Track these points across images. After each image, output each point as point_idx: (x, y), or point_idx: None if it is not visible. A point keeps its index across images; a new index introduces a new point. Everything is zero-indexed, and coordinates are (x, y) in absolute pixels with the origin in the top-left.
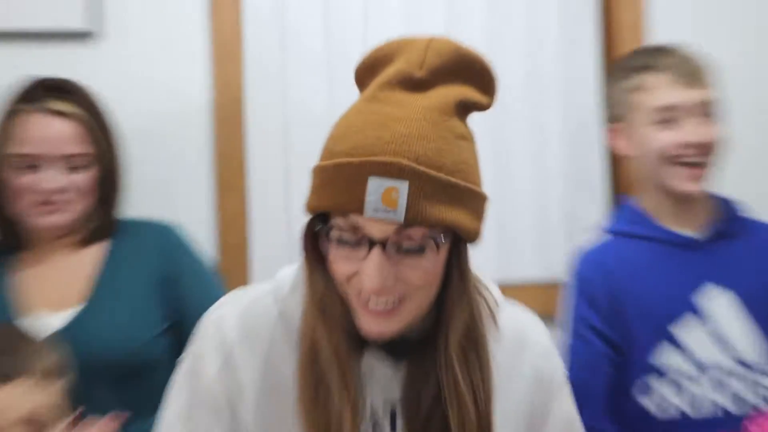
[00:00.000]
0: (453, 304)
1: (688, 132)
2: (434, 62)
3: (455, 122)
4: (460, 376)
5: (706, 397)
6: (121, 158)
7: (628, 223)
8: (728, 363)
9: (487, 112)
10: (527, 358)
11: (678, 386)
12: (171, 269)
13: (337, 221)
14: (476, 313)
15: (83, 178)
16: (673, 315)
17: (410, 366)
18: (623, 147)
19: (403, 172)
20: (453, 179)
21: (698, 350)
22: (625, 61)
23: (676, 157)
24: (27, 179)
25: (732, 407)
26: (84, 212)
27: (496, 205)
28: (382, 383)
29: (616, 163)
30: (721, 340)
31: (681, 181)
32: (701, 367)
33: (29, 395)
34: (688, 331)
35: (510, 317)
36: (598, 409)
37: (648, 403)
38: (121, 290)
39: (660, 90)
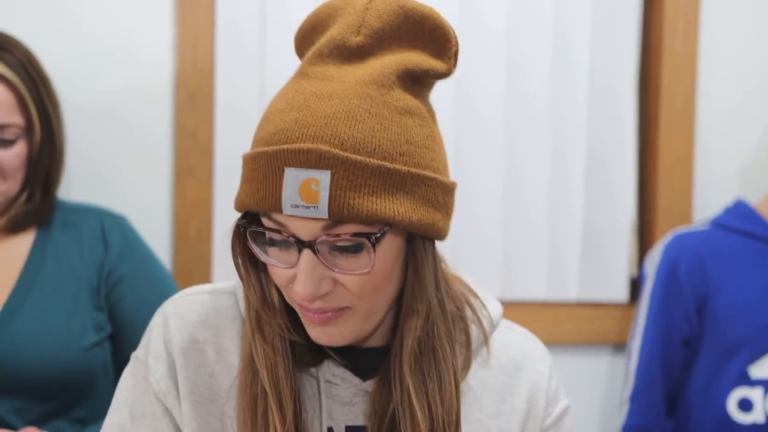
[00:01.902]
0: (407, 308)
1: None
2: (374, 25)
3: (398, 95)
4: (412, 389)
5: None
6: (60, 132)
7: (735, 217)
8: None
9: (499, 108)
10: (522, 389)
11: (767, 388)
12: (112, 267)
13: (265, 221)
14: (435, 319)
15: (11, 154)
16: None
17: (378, 385)
18: None
19: (323, 161)
20: (390, 164)
21: None
22: None
23: None
24: None
25: None
26: (10, 194)
27: (506, 216)
28: (343, 403)
29: (646, 182)
30: None
31: None
32: None
33: None
34: None
35: (508, 340)
36: (661, 409)
37: (740, 415)
38: (50, 290)
39: None
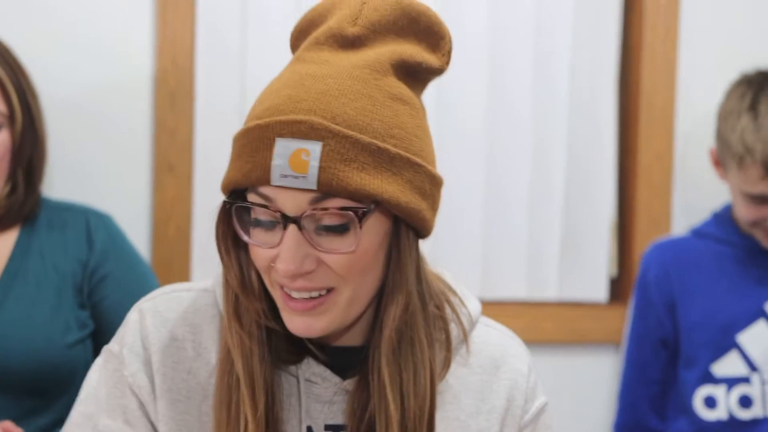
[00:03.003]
0: (387, 298)
1: None
2: (370, 17)
3: (391, 81)
4: (387, 380)
5: (756, 397)
6: (41, 122)
7: (712, 225)
8: None
9: (480, 107)
10: (501, 387)
11: (729, 386)
12: (96, 266)
13: (251, 197)
14: (414, 311)
15: None
16: (742, 322)
17: (358, 384)
18: (719, 173)
19: (315, 132)
20: (381, 143)
21: (759, 355)
22: (743, 105)
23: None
24: None
25: None
26: None
27: (486, 215)
28: (323, 402)
29: (626, 182)
30: None
31: (765, 240)
32: (754, 368)
33: None
34: (755, 338)
35: (487, 338)
36: (646, 408)
37: (706, 411)
38: (33, 286)
39: (756, 181)
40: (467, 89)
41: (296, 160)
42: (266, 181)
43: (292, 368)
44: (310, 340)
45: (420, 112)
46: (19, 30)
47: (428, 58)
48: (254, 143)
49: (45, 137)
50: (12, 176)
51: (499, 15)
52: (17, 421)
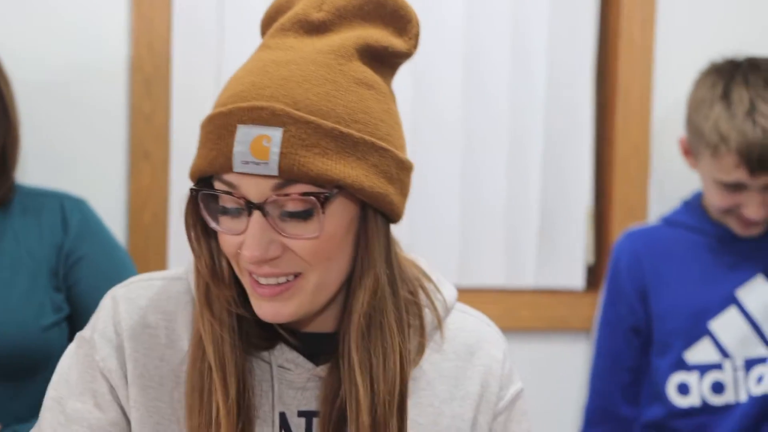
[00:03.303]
0: (355, 283)
1: (749, 210)
2: (336, 2)
3: (356, 66)
4: (357, 365)
5: (729, 383)
6: (14, 110)
7: (682, 213)
8: (757, 350)
9: (458, 96)
10: (476, 373)
11: (702, 372)
12: (71, 248)
13: (217, 185)
14: (383, 296)
15: None
16: (714, 309)
17: (330, 370)
18: (690, 161)
19: (276, 118)
20: (344, 128)
21: (731, 342)
22: (715, 95)
23: (735, 214)
24: None
25: (757, 390)
26: None
27: (463, 203)
28: (296, 388)
29: (603, 171)
30: (757, 331)
31: (738, 227)
32: (726, 354)
33: None
34: (727, 325)
35: (462, 325)
36: (617, 395)
37: (679, 398)
38: (7, 270)
39: (730, 169)
40: (444, 78)
41: (257, 147)
42: (229, 168)
43: (265, 354)
44: (281, 325)
45: (387, 96)
46: None
47: (395, 42)
48: (217, 130)
49: (18, 124)
50: None
51: (476, 6)
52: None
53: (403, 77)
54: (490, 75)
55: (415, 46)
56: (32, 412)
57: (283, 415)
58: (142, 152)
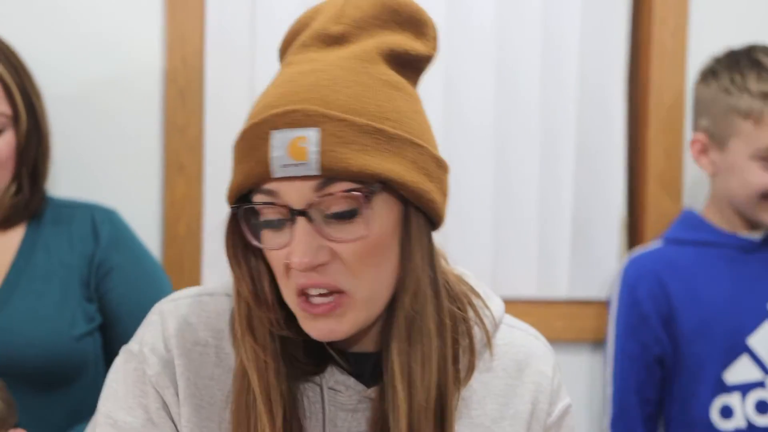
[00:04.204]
0: (398, 283)
1: None
2: (353, 15)
3: (382, 69)
4: (398, 370)
5: None
6: (45, 122)
7: (685, 230)
8: None
9: (489, 102)
10: (526, 391)
11: (744, 392)
12: (103, 258)
13: (256, 198)
14: (424, 299)
15: (1, 144)
16: (749, 325)
17: (380, 391)
18: (706, 164)
19: (310, 118)
20: (378, 124)
21: None
22: (738, 72)
23: None
24: None
25: None
26: (1, 185)
27: (495, 212)
28: (347, 411)
29: (636, 179)
30: None
31: None
32: (767, 370)
33: None
34: (766, 340)
35: (510, 340)
36: (639, 429)
37: (723, 422)
38: (40, 281)
39: None
40: (475, 86)
41: (294, 149)
42: (268, 176)
43: (315, 377)
44: (331, 346)
45: (414, 98)
46: (28, 29)
47: (415, 45)
48: (251, 141)
49: (49, 137)
50: (17, 176)
51: (507, 11)
52: (29, 413)
53: (434, 82)
54: (521, 82)
55: (434, 48)
56: (67, 421)
57: None
58: (176, 165)
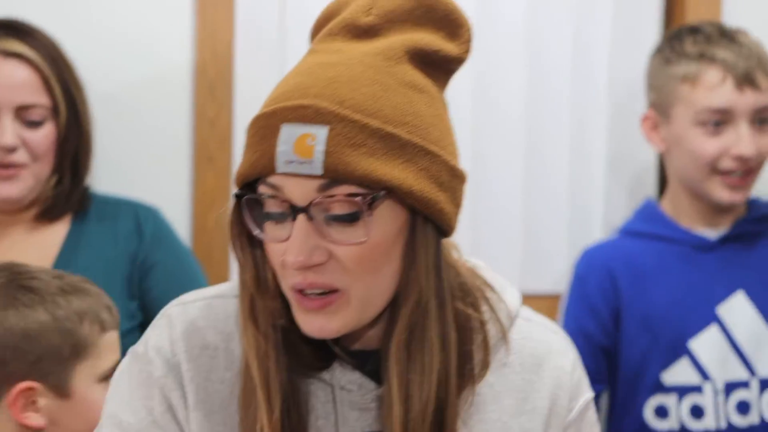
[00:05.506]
0: (399, 292)
1: (742, 143)
2: (385, 7)
3: (405, 69)
4: (395, 381)
5: (708, 407)
6: (86, 115)
7: (642, 221)
8: (737, 372)
9: (520, 96)
10: (544, 386)
11: (680, 395)
12: (146, 255)
13: (261, 188)
14: (426, 309)
15: (40, 135)
16: (694, 327)
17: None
18: (657, 141)
19: (321, 116)
20: (391, 129)
21: (711, 362)
22: (678, 40)
23: (722, 167)
24: None
25: (737, 419)
26: (41, 180)
27: (526, 206)
28: (359, 409)
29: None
30: (737, 352)
31: (723, 192)
32: (707, 376)
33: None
34: (708, 345)
35: (527, 334)
36: None
37: (656, 422)
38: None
39: (716, 88)
40: (505, 79)
41: (301, 146)
42: (272, 170)
43: (326, 376)
44: (335, 343)
45: (438, 102)
46: (60, 25)
47: (446, 46)
48: (261, 131)
49: (90, 131)
50: (58, 168)
51: (538, 6)
52: None
53: (463, 78)
54: (552, 75)
55: (467, 51)
56: None
57: None
58: (206, 157)
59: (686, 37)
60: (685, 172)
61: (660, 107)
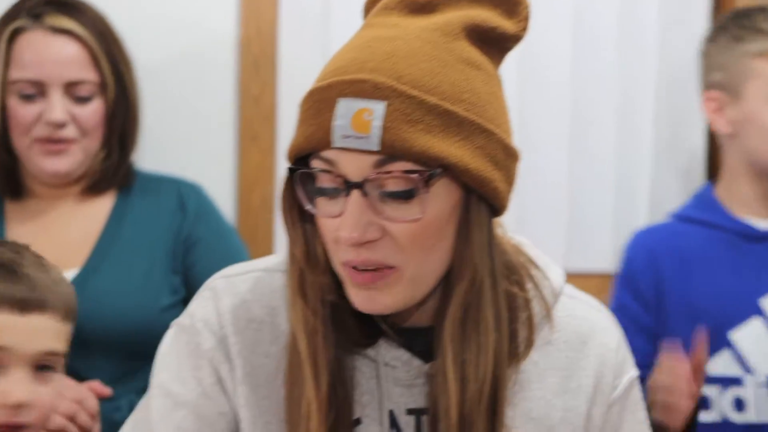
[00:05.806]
0: (453, 271)
1: None
2: None
3: (463, 45)
4: (450, 361)
5: (750, 400)
6: (134, 90)
7: (694, 207)
8: None
9: (566, 74)
10: (589, 364)
11: (723, 387)
12: (189, 231)
13: (314, 163)
14: (481, 288)
15: (89, 111)
16: (736, 319)
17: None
18: (723, 124)
19: (379, 91)
20: (449, 106)
21: (753, 355)
22: (747, 18)
23: None
24: (24, 110)
25: None
26: (90, 155)
27: (571, 184)
28: (404, 386)
29: (717, 151)
30: None
31: None
32: (748, 369)
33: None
34: (750, 338)
35: (572, 312)
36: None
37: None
38: (127, 251)
39: None
40: (552, 61)
41: (358, 120)
42: (327, 144)
43: (371, 352)
44: (383, 320)
45: (494, 79)
46: (108, 3)
47: (504, 23)
48: (317, 105)
49: (137, 106)
50: (106, 144)
51: None
52: (115, 382)
53: (510, 56)
54: (600, 58)
55: (524, 29)
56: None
57: (392, 413)
58: (250, 134)
59: (756, 15)
60: (756, 151)
61: (728, 86)
